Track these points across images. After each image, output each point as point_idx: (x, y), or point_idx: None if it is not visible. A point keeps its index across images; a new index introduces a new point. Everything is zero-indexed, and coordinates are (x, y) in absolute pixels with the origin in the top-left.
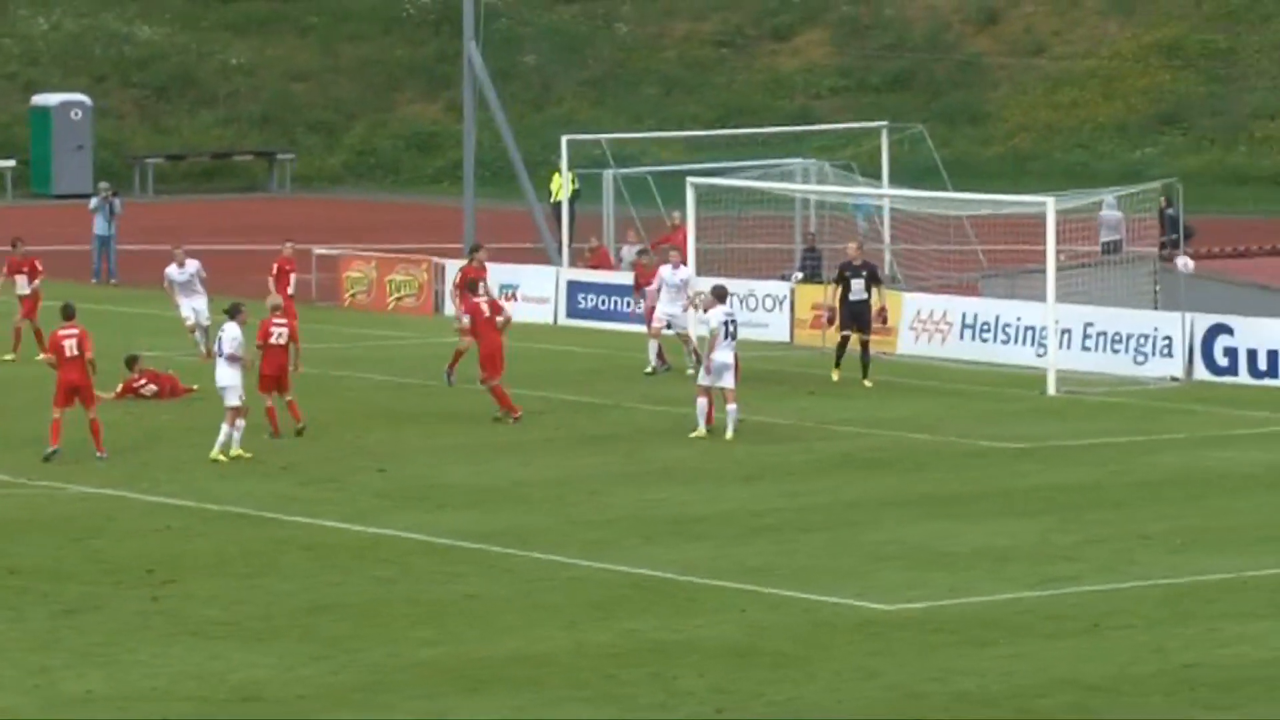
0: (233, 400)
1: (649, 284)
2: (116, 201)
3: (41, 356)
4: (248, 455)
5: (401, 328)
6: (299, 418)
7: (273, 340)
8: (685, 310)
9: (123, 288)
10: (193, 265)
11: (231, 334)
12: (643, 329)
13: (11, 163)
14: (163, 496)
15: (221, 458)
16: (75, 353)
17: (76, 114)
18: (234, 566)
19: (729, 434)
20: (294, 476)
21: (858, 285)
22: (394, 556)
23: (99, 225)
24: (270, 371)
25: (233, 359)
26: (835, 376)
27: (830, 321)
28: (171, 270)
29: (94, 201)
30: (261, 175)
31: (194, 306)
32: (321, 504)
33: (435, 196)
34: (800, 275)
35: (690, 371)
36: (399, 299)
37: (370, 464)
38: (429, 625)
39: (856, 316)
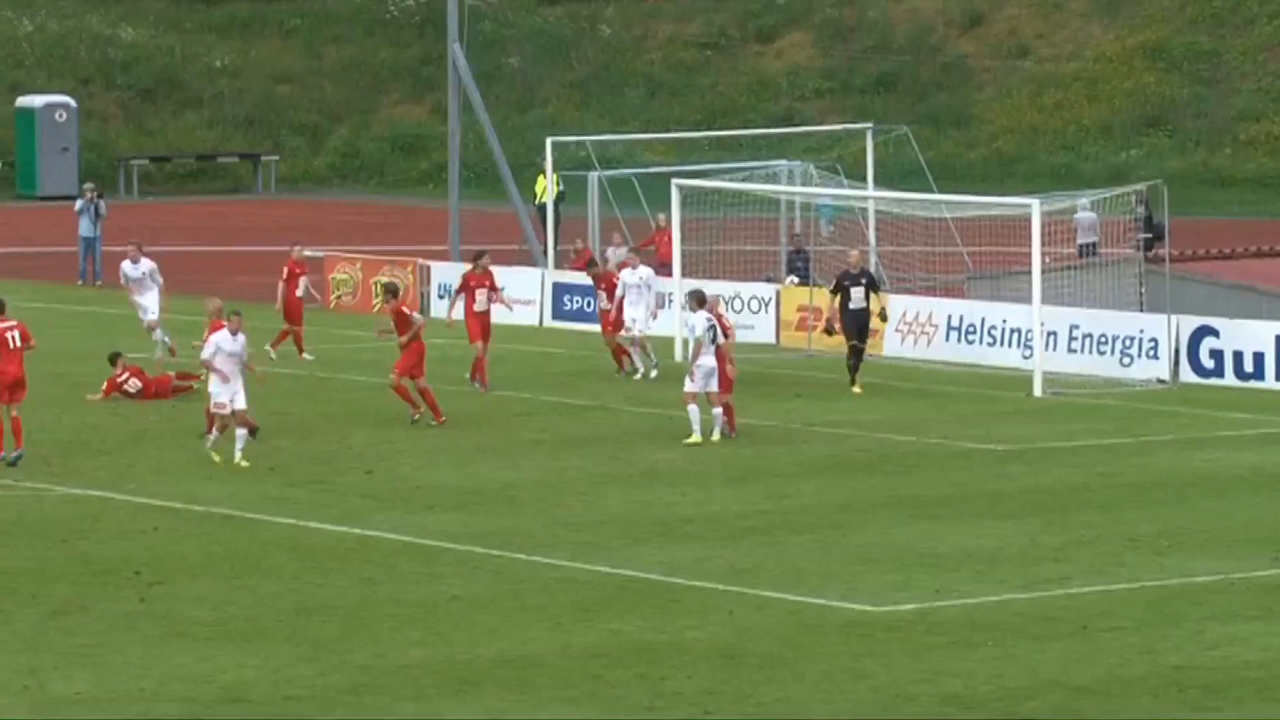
0: (238, 404)
1: (602, 288)
2: (101, 203)
3: None
4: (245, 464)
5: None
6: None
7: None
8: (655, 316)
9: (108, 289)
10: (148, 264)
11: (229, 340)
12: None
13: None
14: (149, 498)
15: (218, 457)
16: (17, 345)
17: (61, 115)
18: (221, 568)
19: (715, 436)
20: (281, 478)
21: (857, 294)
22: (381, 558)
23: (84, 227)
24: None
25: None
26: (857, 389)
27: (830, 332)
28: (126, 265)
29: (79, 203)
30: (246, 177)
31: (144, 303)
32: (308, 505)
33: (420, 198)
34: (795, 279)
35: (654, 375)
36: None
37: (357, 465)
38: (416, 626)
39: (859, 326)
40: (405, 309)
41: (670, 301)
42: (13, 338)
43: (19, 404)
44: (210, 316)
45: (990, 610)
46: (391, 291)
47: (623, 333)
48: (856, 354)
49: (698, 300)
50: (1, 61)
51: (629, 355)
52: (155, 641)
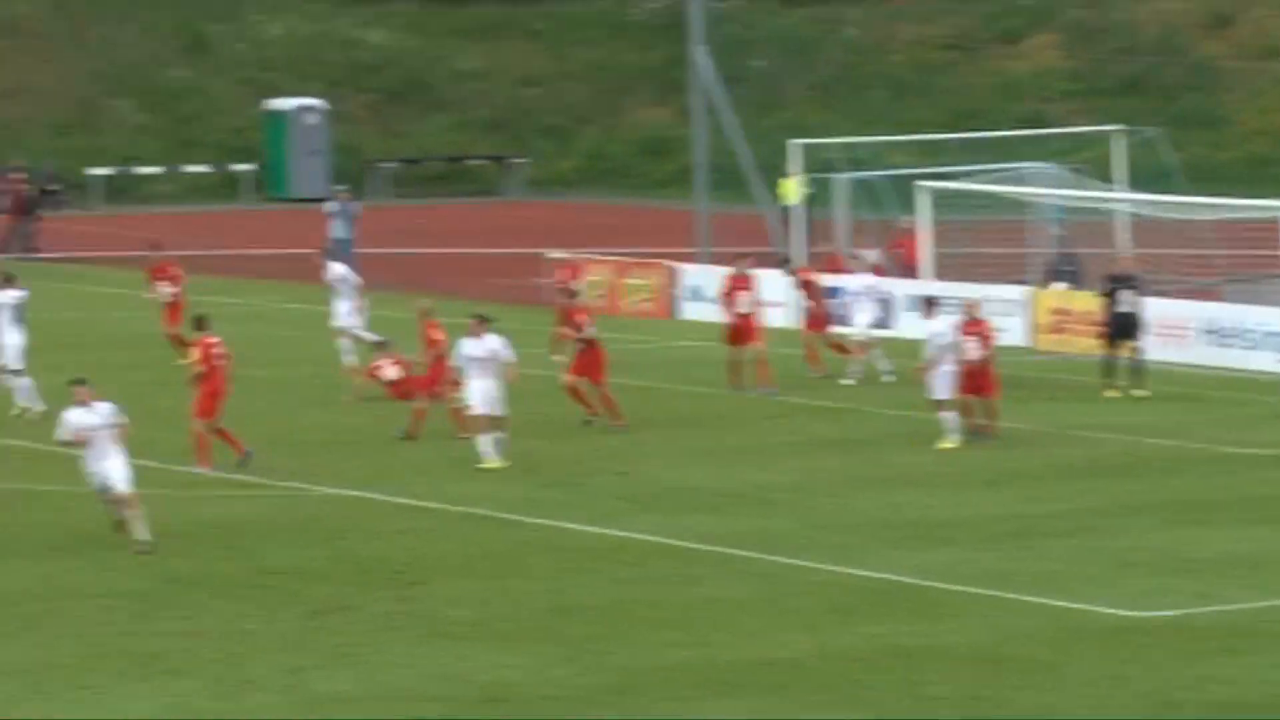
0: (483, 410)
1: (803, 289)
2: (354, 205)
3: (192, 366)
4: (499, 466)
5: (638, 331)
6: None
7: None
8: (880, 323)
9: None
10: (340, 269)
11: (474, 344)
12: (880, 334)
13: (249, 167)
14: (407, 498)
15: (490, 465)
16: (224, 362)
17: (311, 118)
18: (479, 568)
19: (955, 441)
20: (535, 479)
21: (1126, 296)
22: (637, 559)
23: (336, 229)
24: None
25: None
26: (1112, 393)
27: (1102, 337)
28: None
29: (332, 205)
30: (494, 179)
31: (341, 309)
32: (563, 506)
33: (666, 200)
34: (1067, 285)
35: (852, 382)
36: (635, 302)
37: (611, 467)
38: (674, 628)
39: (1125, 328)
40: (577, 316)
41: (920, 305)
42: (221, 355)
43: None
44: (420, 316)
45: (1255, 616)
46: (570, 294)
47: (843, 332)
48: (1132, 354)
49: (933, 307)
50: (252, 64)
51: (848, 349)
52: (416, 641)
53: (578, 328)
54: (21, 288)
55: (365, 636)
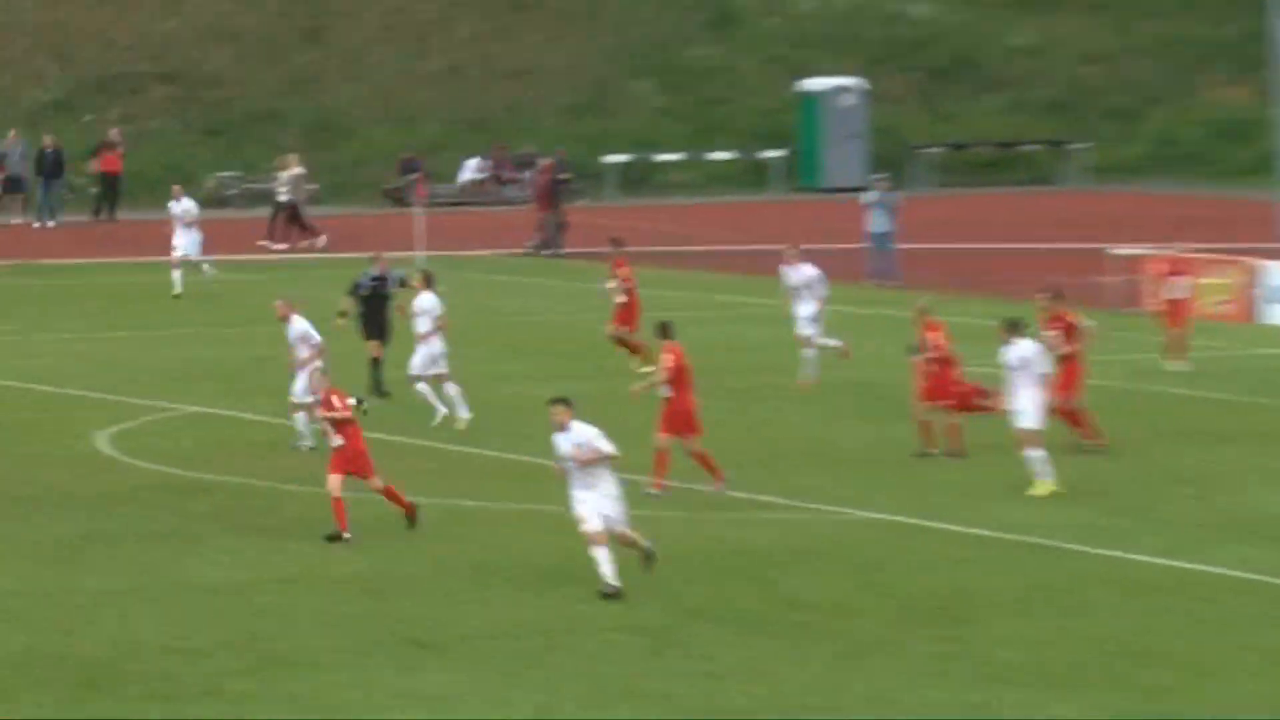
0: (1023, 423)
1: None
2: (893, 195)
3: (659, 375)
4: (1053, 489)
5: (1213, 336)
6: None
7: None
8: None
9: (903, 290)
10: (809, 270)
11: (1019, 351)
12: None
13: (779, 153)
14: (951, 523)
15: (1041, 492)
16: (686, 373)
17: (849, 99)
18: (1035, 604)
19: None
20: (1100, 504)
21: None
22: (1219, 596)
23: (875, 221)
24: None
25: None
26: None
27: None
28: (785, 270)
29: (869, 195)
30: (1050, 166)
31: (802, 313)
32: (1132, 535)
33: (1246, 189)
34: None
35: None
36: (1212, 304)
37: (1186, 490)
38: (1261, 678)
39: None
40: (1071, 317)
41: None
42: (689, 367)
43: (698, 435)
44: (918, 316)
45: None
46: (1058, 296)
47: None
48: None
49: None
50: (784, 41)
51: None
52: (964, 686)
53: (1068, 332)
54: (438, 291)
55: (906, 680)
